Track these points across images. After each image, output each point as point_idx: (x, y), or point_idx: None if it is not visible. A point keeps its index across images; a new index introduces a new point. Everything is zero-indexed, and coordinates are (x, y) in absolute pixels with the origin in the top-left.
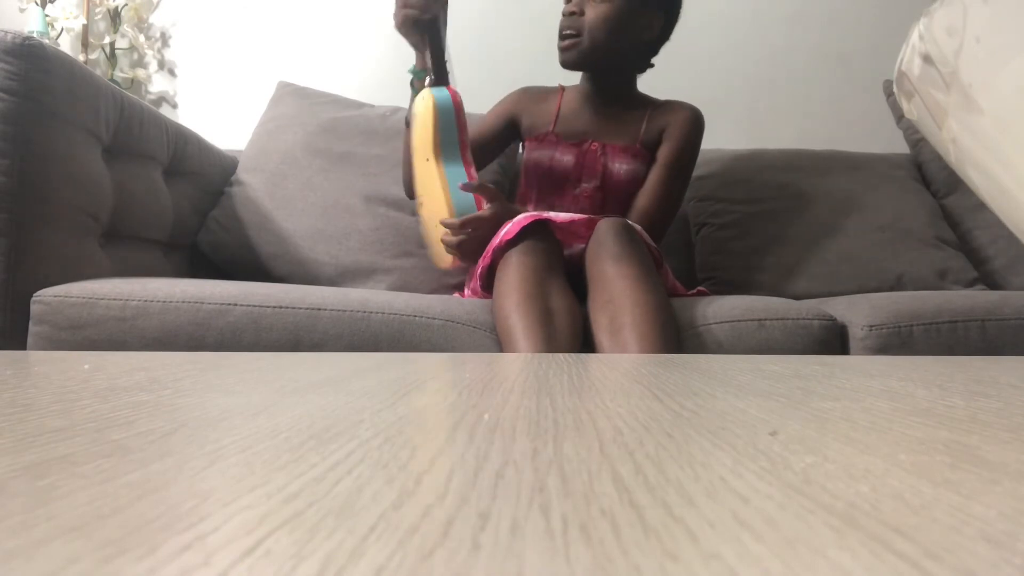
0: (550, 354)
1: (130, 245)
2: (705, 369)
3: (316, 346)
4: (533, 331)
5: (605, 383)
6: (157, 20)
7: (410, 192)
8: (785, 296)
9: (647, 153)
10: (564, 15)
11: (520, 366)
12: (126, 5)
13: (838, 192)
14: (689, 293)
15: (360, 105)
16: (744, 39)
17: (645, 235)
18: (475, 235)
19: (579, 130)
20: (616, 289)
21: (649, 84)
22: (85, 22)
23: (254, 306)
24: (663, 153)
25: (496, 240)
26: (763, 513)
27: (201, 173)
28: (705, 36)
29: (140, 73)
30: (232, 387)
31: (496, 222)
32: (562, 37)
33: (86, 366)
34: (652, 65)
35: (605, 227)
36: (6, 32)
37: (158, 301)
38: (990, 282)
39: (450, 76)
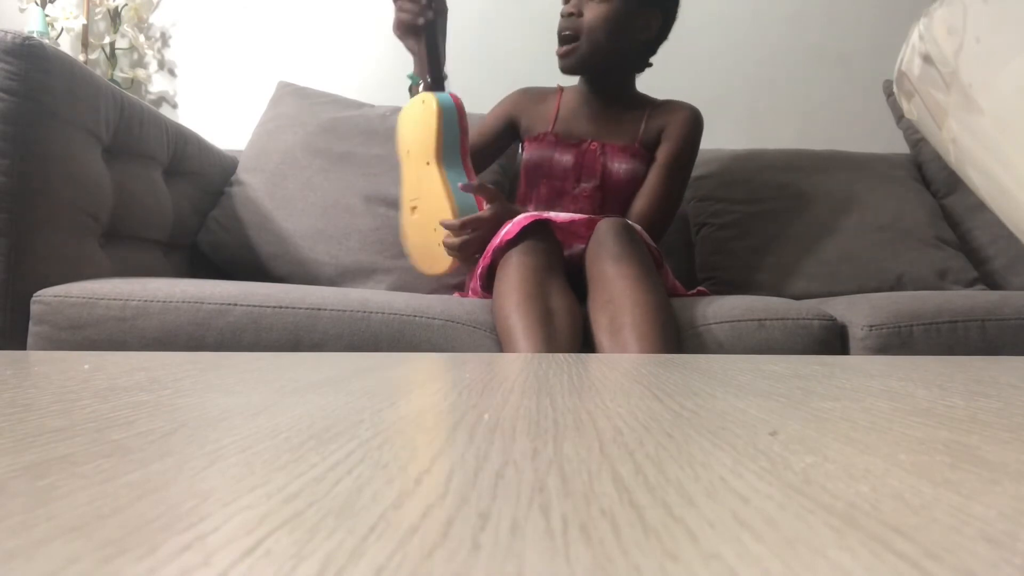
0: (550, 354)
1: (130, 245)
2: (705, 369)
3: (316, 346)
4: (533, 331)
5: (605, 383)
6: (157, 20)
7: None
8: (785, 296)
9: (646, 153)
10: (562, 16)
11: (520, 366)
12: (126, 5)
13: (838, 192)
14: (689, 293)
15: (360, 105)
16: (744, 39)
17: (645, 235)
18: (475, 236)
19: (578, 130)
20: (616, 289)
21: (649, 84)
22: (85, 22)
23: (254, 306)
24: (662, 153)
25: (496, 240)
26: (763, 513)
27: (201, 173)
28: (705, 36)
29: (140, 73)
30: (232, 387)
31: (496, 222)
32: (561, 40)
33: (86, 366)
34: (650, 64)
35: (605, 227)
36: (6, 32)
37: (158, 301)
38: (990, 282)
39: (446, 83)
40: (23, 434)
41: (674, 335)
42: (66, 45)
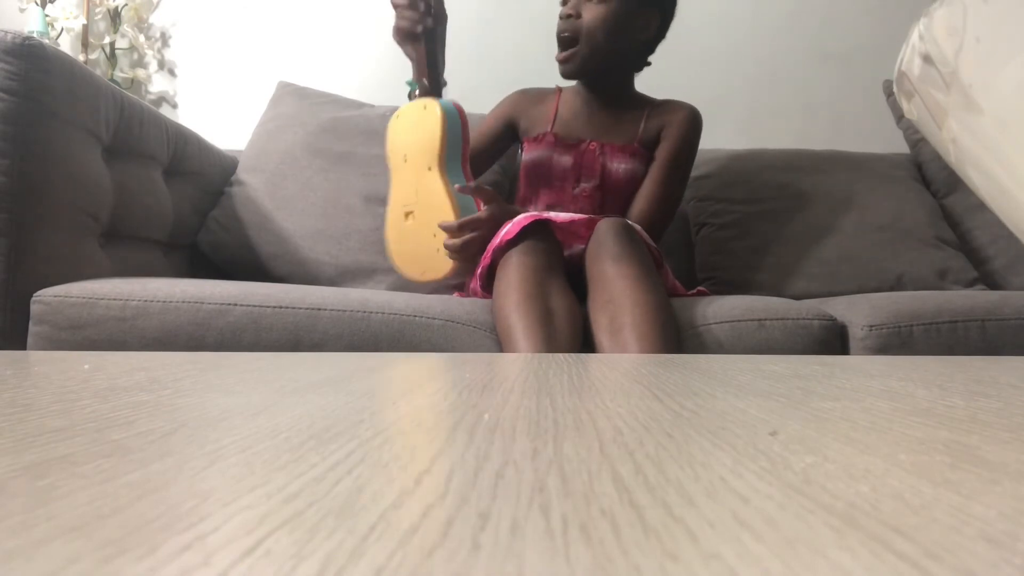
0: (550, 354)
1: (130, 245)
2: (705, 369)
3: (316, 346)
4: (533, 331)
5: (605, 383)
6: (157, 20)
7: None
8: (785, 296)
9: (645, 152)
10: (561, 18)
11: (520, 366)
12: (126, 5)
13: (838, 192)
14: (689, 293)
15: (360, 105)
16: (744, 39)
17: (645, 235)
18: (475, 236)
19: (577, 130)
20: (616, 289)
21: (648, 84)
22: (85, 22)
23: (254, 306)
24: (661, 152)
25: (496, 240)
26: (763, 513)
27: (201, 173)
28: (705, 36)
29: (140, 73)
30: (232, 387)
31: (494, 222)
32: (560, 43)
33: (86, 366)
34: (649, 64)
35: (605, 227)
36: (6, 32)
37: (158, 301)
38: (990, 282)
39: (444, 90)
40: (23, 434)
41: (674, 335)
42: (66, 45)
